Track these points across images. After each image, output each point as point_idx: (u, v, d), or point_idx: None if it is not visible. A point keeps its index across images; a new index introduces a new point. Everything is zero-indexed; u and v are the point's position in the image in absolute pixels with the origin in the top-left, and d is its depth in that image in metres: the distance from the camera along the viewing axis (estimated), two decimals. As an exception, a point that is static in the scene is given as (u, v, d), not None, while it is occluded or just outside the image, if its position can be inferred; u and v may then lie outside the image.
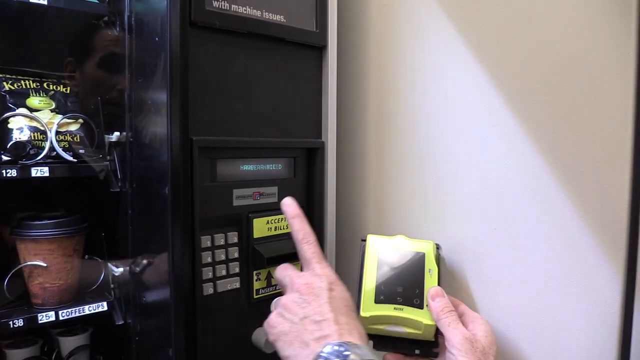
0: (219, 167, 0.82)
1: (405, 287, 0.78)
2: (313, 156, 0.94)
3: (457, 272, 0.85)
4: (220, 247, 0.82)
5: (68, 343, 1.03)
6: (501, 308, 0.78)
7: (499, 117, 0.77)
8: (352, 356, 0.57)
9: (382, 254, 0.81)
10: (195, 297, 0.78)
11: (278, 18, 0.86)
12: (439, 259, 0.81)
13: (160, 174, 0.79)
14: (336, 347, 0.58)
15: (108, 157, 0.98)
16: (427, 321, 0.74)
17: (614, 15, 0.63)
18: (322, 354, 0.58)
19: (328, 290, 0.67)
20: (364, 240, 0.83)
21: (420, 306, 0.76)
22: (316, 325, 0.63)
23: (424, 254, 0.81)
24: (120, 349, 1.01)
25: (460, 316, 0.74)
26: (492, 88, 0.77)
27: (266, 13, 0.84)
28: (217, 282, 0.81)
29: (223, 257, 0.82)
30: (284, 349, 0.64)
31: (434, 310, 0.73)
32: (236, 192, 0.84)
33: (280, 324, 0.66)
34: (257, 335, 0.85)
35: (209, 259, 0.80)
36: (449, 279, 0.85)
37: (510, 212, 0.76)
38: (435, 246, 0.83)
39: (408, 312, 0.76)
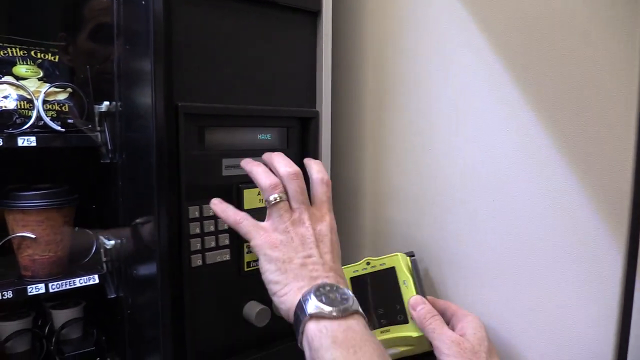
0: (208, 135, 0.79)
1: (385, 306, 0.77)
2: (307, 126, 0.91)
3: (451, 254, 0.82)
4: (209, 218, 0.79)
5: (60, 316, 1.03)
6: (497, 299, 0.76)
7: (503, 91, 0.72)
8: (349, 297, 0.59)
9: (354, 283, 0.81)
10: (182, 269, 0.76)
11: (269, -20, 0.82)
12: (415, 266, 0.79)
13: (147, 142, 0.76)
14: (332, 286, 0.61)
15: (98, 128, 0.95)
16: (415, 334, 0.73)
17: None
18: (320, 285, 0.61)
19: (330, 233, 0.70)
20: None
21: (405, 321, 0.75)
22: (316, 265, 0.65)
23: (394, 268, 0.79)
24: (113, 322, 1.00)
25: (452, 316, 0.73)
26: (492, 56, 0.73)
27: (256, -26, 0.80)
28: (206, 253, 0.79)
29: (212, 229, 0.80)
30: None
31: (417, 319, 0.72)
32: (226, 161, 0.81)
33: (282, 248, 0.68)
34: (248, 309, 0.83)
35: (197, 230, 0.78)
36: (445, 268, 0.82)
37: (511, 189, 0.72)
38: (404, 256, 0.80)
39: (395, 331, 0.75)
